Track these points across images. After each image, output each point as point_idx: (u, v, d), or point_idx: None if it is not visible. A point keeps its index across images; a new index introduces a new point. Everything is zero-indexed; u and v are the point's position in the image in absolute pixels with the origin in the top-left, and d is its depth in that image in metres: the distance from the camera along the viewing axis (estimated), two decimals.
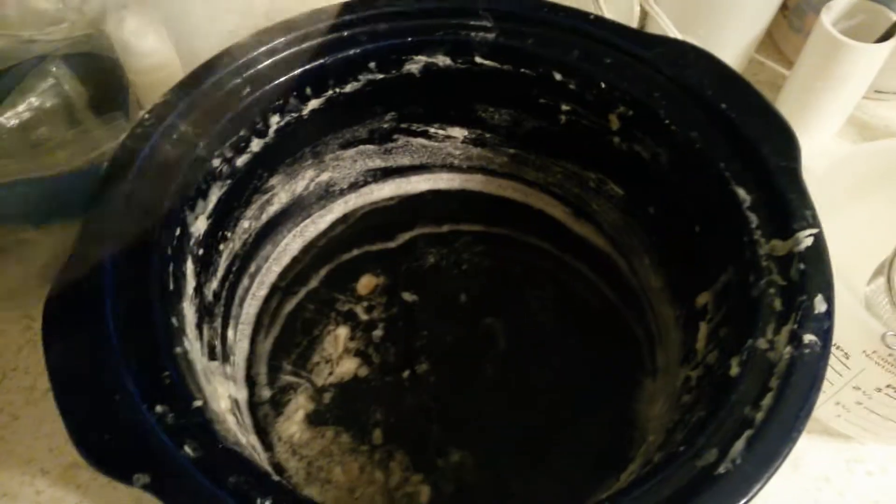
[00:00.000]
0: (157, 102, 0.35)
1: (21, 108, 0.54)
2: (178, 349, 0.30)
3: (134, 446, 0.26)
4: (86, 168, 0.52)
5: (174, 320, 0.31)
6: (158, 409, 0.27)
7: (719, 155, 0.35)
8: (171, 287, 0.32)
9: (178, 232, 0.34)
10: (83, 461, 0.24)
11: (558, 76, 0.40)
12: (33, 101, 0.55)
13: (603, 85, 0.38)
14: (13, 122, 0.54)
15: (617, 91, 0.38)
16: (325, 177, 0.45)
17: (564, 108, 0.41)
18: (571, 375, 0.41)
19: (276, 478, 0.26)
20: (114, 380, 0.27)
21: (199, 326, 0.35)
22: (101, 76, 0.57)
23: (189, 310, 0.34)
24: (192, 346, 0.32)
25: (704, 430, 0.27)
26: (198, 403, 0.28)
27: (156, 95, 0.53)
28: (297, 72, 0.38)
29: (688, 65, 0.38)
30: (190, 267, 0.35)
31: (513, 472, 0.37)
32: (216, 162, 0.36)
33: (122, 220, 0.32)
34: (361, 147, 0.45)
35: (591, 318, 0.43)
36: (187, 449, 0.26)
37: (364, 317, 0.43)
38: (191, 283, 0.35)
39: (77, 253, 0.30)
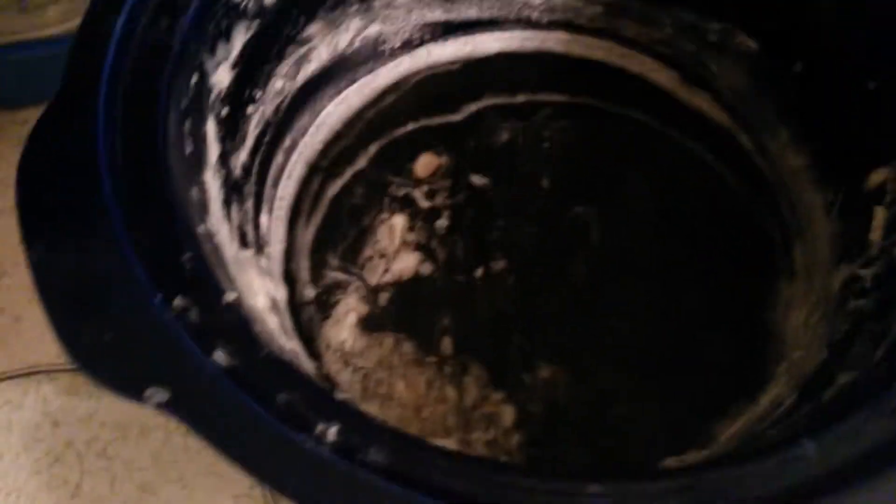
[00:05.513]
0: None
1: None
2: (201, 228, 0.23)
3: (146, 351, 0.18)
4: None
5: (194, 192, 0.24)
6: (178, 302, 0.19)
7: None
8: (189, 149, 0.25)
9: (194, 80, 0.26)
10: None
11: None
12: None
13: None
14: None
15: None
16: (373, 30, 0.37)
17: None
18: (682, 276, 0.33)
19: (340, 395, 0.19)
20: (113, 262, 0.20)
21: (226, 205, 0.27)
22: None
23: (213, 183, 0.27)
24: (220, 228, 0.25)
25: None
26: (231, 296, 0.20)
27: None
28: None
29: None
30: (212, 128, 0.27)
31: (615, 392, 0.30)
32: None
33: (119, 55, 0.24)
34: None
35: (705, 207, 0.35)
36: (220, 355, 0.19)
37: (424, 203, 0.35)
38: (213, 150, 0.27)
39: (59, 98, 0.23)
